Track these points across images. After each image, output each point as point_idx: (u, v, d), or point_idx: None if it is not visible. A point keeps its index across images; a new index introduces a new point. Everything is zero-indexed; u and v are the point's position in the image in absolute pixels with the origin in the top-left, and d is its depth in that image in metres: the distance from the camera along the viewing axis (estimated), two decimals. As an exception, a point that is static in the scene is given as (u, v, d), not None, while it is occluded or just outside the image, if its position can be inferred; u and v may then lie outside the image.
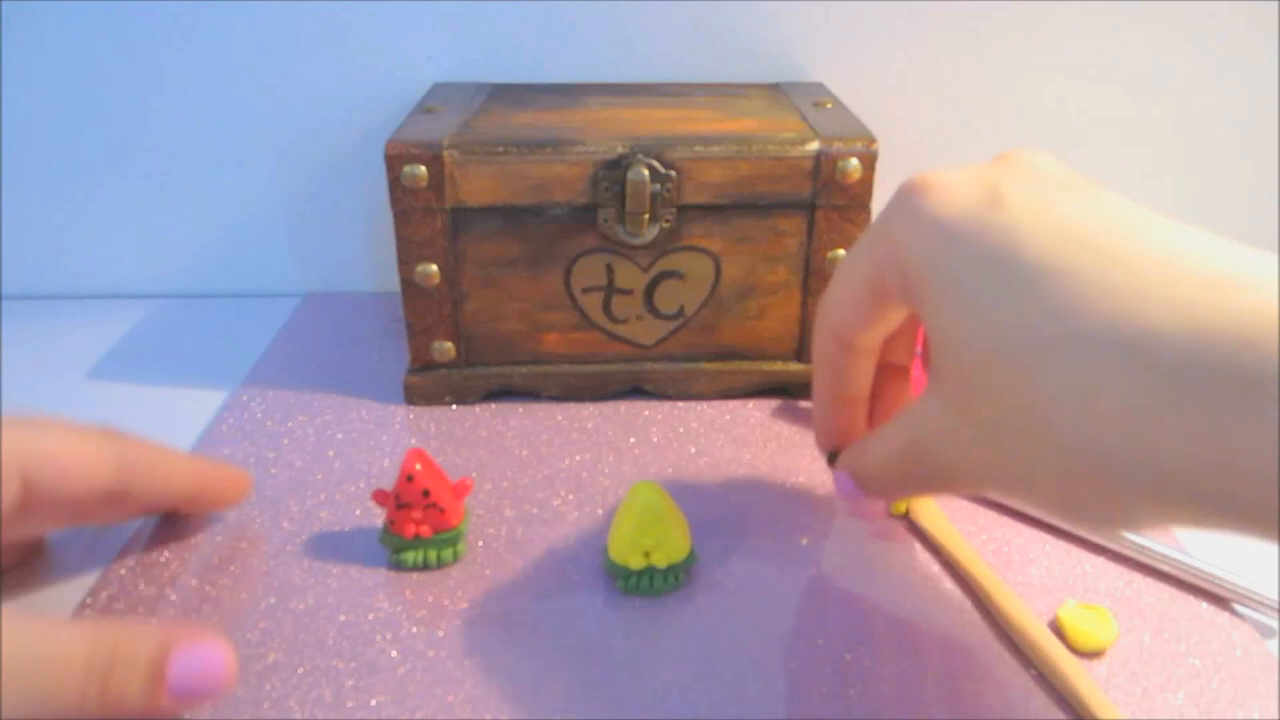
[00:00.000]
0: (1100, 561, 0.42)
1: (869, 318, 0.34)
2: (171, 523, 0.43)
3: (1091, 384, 0.24)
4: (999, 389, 0.27)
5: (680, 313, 0.52)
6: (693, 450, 0.50)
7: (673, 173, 0.48)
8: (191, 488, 0.41)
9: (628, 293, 0.52)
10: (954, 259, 0.28)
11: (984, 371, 0.27)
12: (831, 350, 0.37)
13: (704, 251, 0.51)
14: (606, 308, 0.52)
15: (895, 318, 0.35)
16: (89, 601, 0.39)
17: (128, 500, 0.38)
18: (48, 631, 0.29)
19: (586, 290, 0.51)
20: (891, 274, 0.31)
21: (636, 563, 0.39)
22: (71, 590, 0.39)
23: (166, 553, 0.41)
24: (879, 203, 0.50)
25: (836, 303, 0.35)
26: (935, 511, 0.44)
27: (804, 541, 0.42)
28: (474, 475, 0.47)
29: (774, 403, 0.54)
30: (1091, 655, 0.37)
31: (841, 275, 0.35)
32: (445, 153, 0.48)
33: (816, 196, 0.49)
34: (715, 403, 0.54)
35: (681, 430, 0.51)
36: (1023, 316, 0.26)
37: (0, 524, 0.33)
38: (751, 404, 0.54)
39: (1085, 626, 0.37)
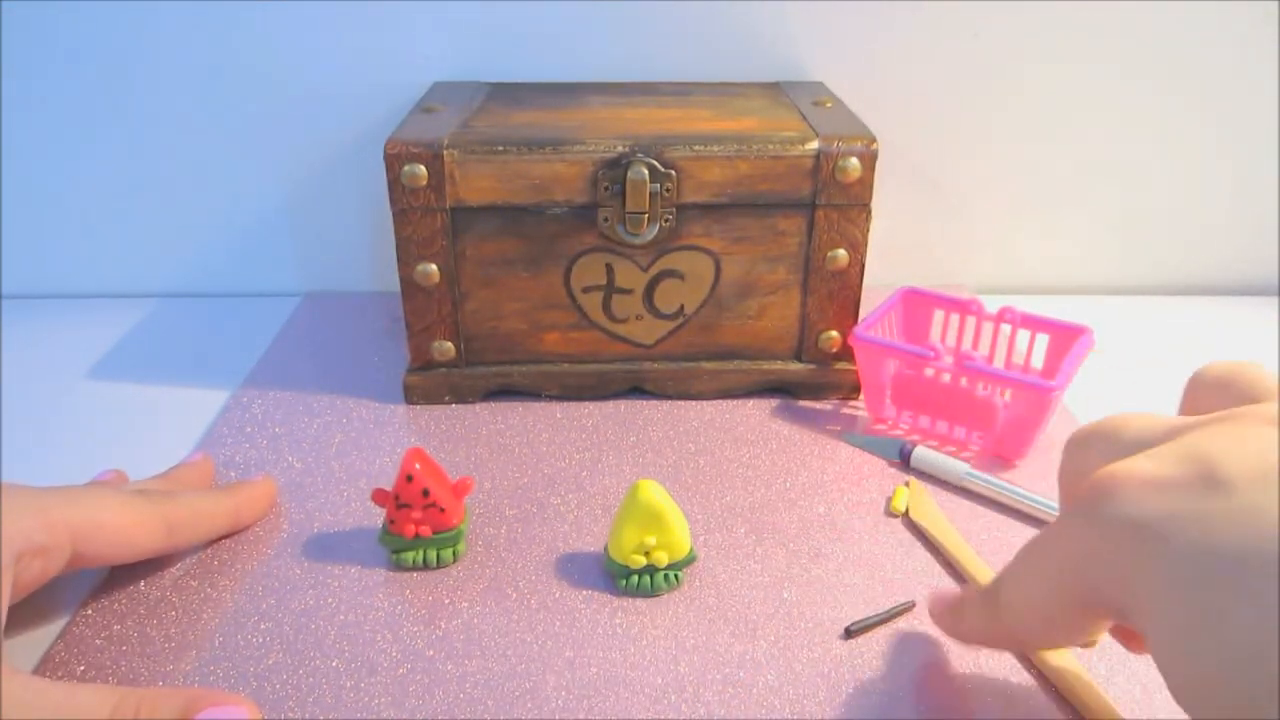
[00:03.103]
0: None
1: (1086, 635, 0.29)
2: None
3: None
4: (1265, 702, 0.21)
5: (680, 312, 0.52)
6: (693, 450, 0.50)
7: (672, 172, 0.48)
8: (230, 524, 0.43)
9: (628, 292, 0.52)
10: (1174, 569, 0.22)
11: (1244, 690, 0.21)
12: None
13: (704, 251, 0.51)
14: (606, 307, 0.52)
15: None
16: (91, 602, 0.39)
17: (174, 550, 0.41)
18: (74, 693, 0.30)
19: (586, 290, 0.51)
20: (1099, 602, 0.26)
21: (636, 562, 0.39)
22: (74, 590, 0.39)
23: (169, 555, 0.41)
24: (879, 202, 0.51)
25: (1036, 635, 0.30)
26: (935, 512, 0.44)
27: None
28: (474, 474, 0.47)
29: (774, 402, 0.54)
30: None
31: (1031, 607, 0.28)
32: (445, 152, 0.48)
33: (816, 195, 0.49)
34: (715, 402, 0.54)
35: (681, 429, 0.51)
36: None
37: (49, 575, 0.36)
38: (751, 403, 0.54)
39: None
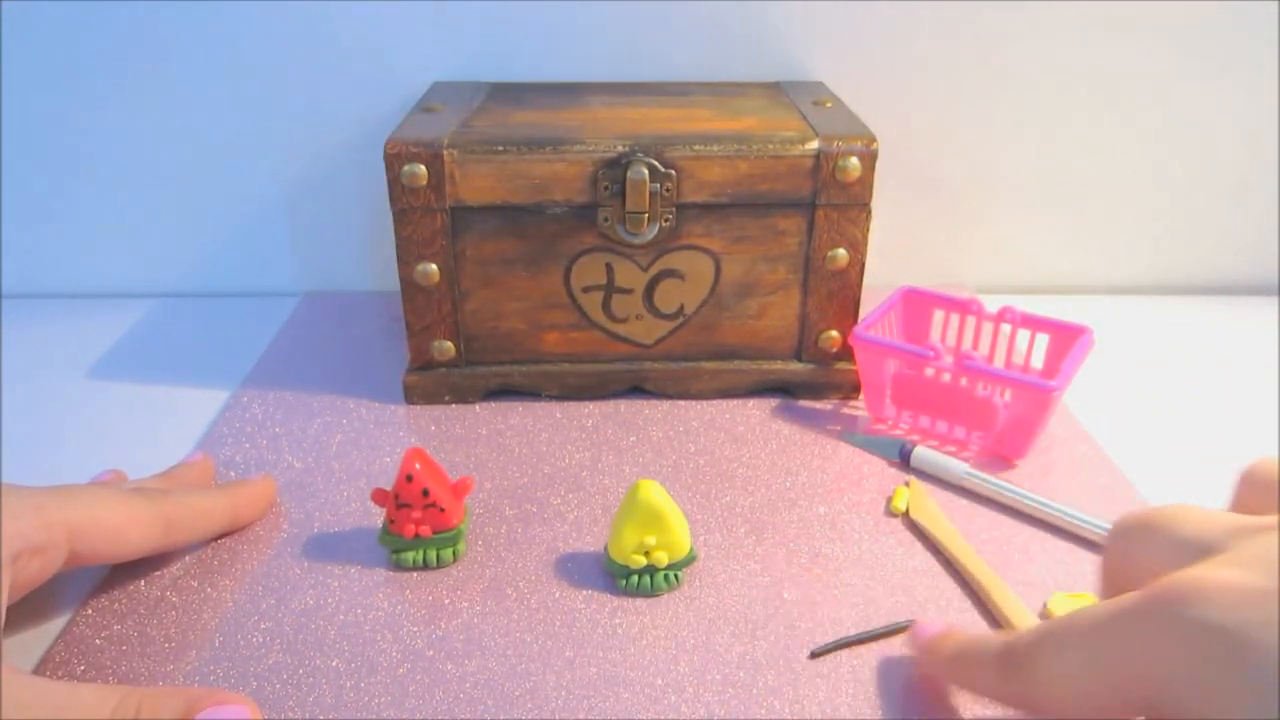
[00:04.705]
0: (1099, 558, 0.42)
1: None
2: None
3: None
4: None
5: (680, 312, 0.52)
6: (692, 449, 0.50)
7: (672, 171, 0.48)
8: (228, 523, 0.43)
9: (628, 292, 0.52)
10: (1259, 676, 0.22)
11: None
12: None
13: (704, 250, 0.51)
14: (606, 307, 0.52)
15: None
16: (91, 602, 0.39)
17: (172, 549, 0.41)
18: (74, 693, 0.30)
19: (586, 289, 0.51)
20: (1151, 702, 0.25)
21: (636, 562, 0.39)
22: (74, 590, 0.39)
23: (167, 554, 0.41)
24: (879, 202, 0.51)
25: (1063, 712, 0.28)
26: (934, 511, 0.44)
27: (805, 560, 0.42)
28: (474, 474, 0.47)
29: (774, 402, 0.54)
30: None
31: (1069, 691, 0.27)
32: (445, 152, 0.48)
33: (816, 195, 0.49)
34: (715, 402, 0.54)
35: (681, 429, 0.51)
36: None
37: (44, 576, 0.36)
38: (751, 403, 0.54)
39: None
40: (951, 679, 0.34)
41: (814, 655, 0.36)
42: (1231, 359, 0.60)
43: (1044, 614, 0.39)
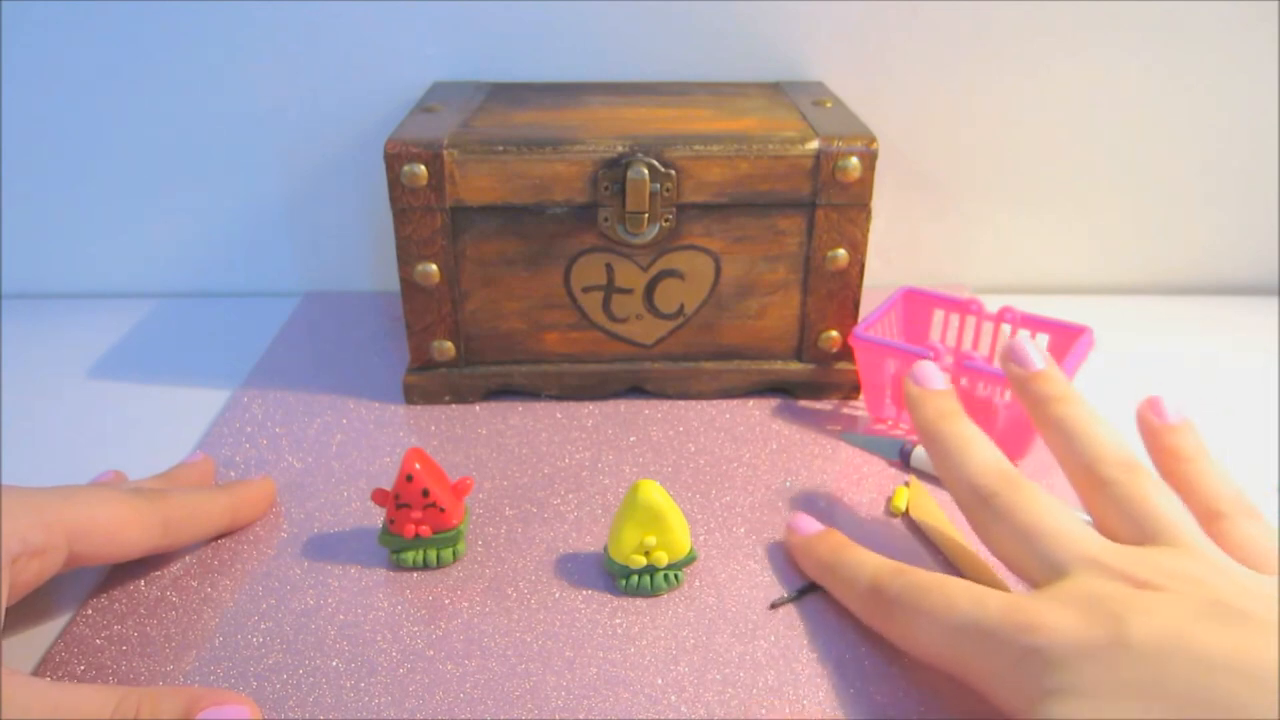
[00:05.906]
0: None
1: None
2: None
3: None
4: None
5: (680, 312, 0.52)
6: (692, 449, 0.50)
7: (672, 171, 0.48)
8: (228, 523, 0.43)
9: (628, 292, 0.52)
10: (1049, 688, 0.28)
11: None
12: None
13: (704, 250, 0.51)
14: (606, 307, 0.52)
15: None
16: (91, 602, 0.39)
17: (172, 549, 0.41)
18: (74, 693, 0.30)
19: (586, 289, 0.51)
20: (974, 669, 0.31)
21: (636, 562, 0.39)
22: (74, 590, 0.39)
23: (167, 554, 0.41)
24: (879, 202, 0.51)
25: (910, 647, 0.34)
26: (935, 511, 0.44)
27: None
28: (474, 474, 0.47)
29: (774, 402, 0.54)
30: None
31: (916, 642, 0.33)
32: (445, 151, 0.48)
33: (816, 195, 0.49)
34: (715, 402, 0.54)
35: (681, 429, 0.51)
36: None
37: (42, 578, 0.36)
38: (751, 403, 0.54)
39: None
40: (820, 580, 0.39)
41: (773, 606, 0.39)
42: (1231, 359, 0.60)
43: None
